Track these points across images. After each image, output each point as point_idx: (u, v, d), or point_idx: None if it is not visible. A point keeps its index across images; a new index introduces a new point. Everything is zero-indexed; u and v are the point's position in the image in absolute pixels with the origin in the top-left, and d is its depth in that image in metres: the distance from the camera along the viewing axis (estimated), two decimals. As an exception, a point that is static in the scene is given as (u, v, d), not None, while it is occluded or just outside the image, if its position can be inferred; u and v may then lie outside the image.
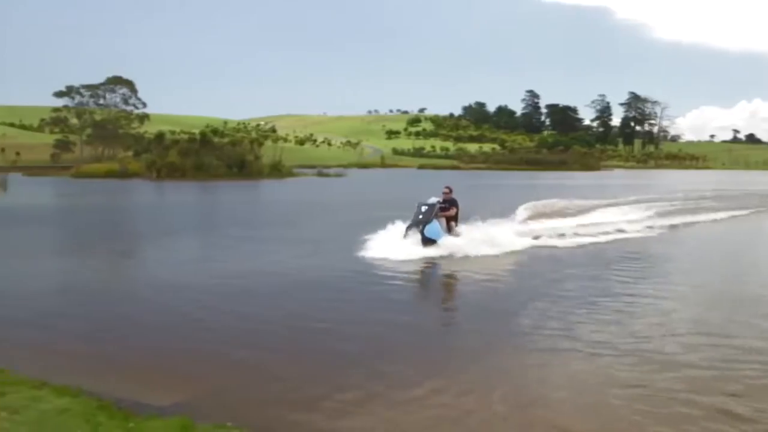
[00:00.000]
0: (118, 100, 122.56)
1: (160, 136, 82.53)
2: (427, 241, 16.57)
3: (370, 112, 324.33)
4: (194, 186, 54.14)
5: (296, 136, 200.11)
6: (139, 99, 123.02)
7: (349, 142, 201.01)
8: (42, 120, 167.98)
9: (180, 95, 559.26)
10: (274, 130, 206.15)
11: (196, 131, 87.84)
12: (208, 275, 14.00)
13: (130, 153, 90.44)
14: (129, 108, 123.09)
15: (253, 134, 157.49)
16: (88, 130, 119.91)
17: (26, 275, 14.03)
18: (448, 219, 17.69)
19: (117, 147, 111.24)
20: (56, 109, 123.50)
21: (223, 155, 70.39)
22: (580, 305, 11.32)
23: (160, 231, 23.14)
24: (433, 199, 17.56)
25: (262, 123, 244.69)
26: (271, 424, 5.97)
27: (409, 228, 16.95)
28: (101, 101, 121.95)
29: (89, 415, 5.04)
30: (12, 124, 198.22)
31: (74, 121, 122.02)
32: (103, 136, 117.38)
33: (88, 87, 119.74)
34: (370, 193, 48.10)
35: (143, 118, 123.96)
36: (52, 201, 39.45)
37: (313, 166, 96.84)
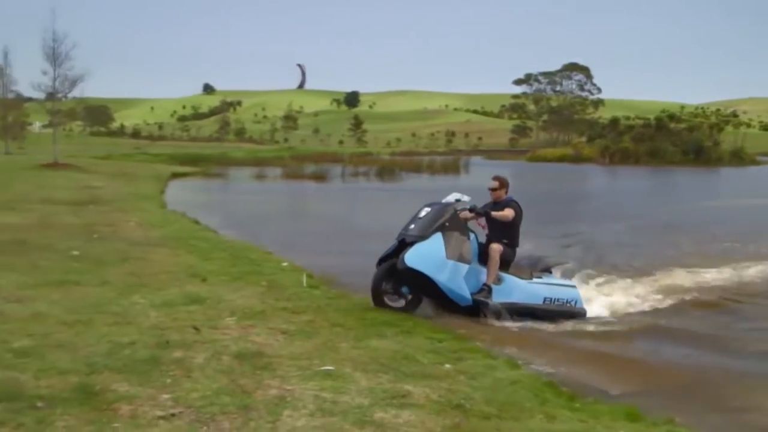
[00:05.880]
0: (573, 86, 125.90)
1: (614, 121, 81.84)
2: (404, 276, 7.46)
3: None
4: (647, 172, 52.21)
5: (761, 121, 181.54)
6: (594, 85, 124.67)
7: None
8: (502, 107, 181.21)
9: (635, 80, 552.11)
10: (735, 115, 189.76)
11: (651, 117, 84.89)
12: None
13: (583, 138, 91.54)
14: (584, 94, 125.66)
15: (712, 119, 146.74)
16: (544, 116, 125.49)
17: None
18: (490, 235, 8.30)
19: (571, 132, 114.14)
20: (515, 96, 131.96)
21: (679, 141, 67.13)
22: None
23: (607, 214, 21.32)
24: (454, 196, 7.97)
25: (722, 107, 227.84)
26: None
27: (384, 257, 7.73)
28: (557, 88, 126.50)
29: (537, 390, 5.17)
30: (475, 111, 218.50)
31: (531, 107, 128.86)
32: (557, 122, 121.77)
33: (545, 74, 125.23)
34: None
35: (598, 103, 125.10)
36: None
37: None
